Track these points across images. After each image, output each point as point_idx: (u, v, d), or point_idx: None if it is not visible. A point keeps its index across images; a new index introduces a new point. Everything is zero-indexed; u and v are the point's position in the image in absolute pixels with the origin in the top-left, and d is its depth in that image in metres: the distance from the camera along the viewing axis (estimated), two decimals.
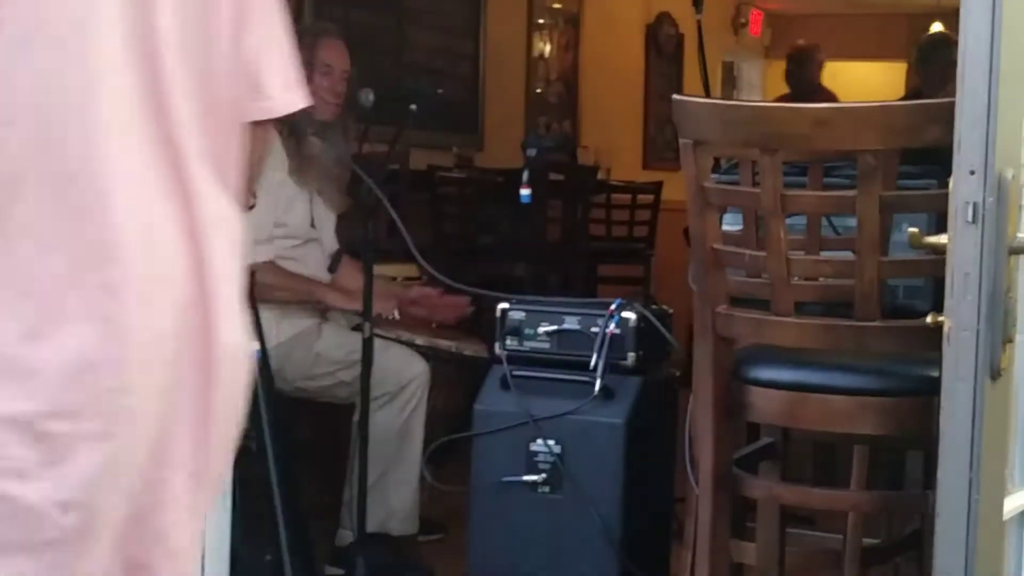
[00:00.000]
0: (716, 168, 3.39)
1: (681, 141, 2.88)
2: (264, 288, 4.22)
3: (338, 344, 4.56)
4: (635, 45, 10.43)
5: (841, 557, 3.39)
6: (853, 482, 3.43)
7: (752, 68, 10.49)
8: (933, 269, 2.43)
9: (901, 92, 8.05)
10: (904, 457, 3.73)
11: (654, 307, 3.79)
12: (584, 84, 9.60)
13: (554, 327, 3.74)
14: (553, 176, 6.84)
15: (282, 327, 4.45)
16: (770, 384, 2.92)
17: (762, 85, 10.17)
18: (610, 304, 3.72)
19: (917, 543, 3.20)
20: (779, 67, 9.49)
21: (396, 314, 4.70)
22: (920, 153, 2.89)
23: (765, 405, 2.94)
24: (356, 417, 4.36)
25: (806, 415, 2.89)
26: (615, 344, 3.67)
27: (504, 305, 3.81)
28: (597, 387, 3.62)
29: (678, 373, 3.88)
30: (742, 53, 10.96)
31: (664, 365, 3.84)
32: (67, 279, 1.60)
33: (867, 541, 3.50)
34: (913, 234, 2.42)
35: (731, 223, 3.28)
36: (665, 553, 3.85)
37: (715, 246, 2.90)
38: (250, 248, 4.44)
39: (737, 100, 7.74)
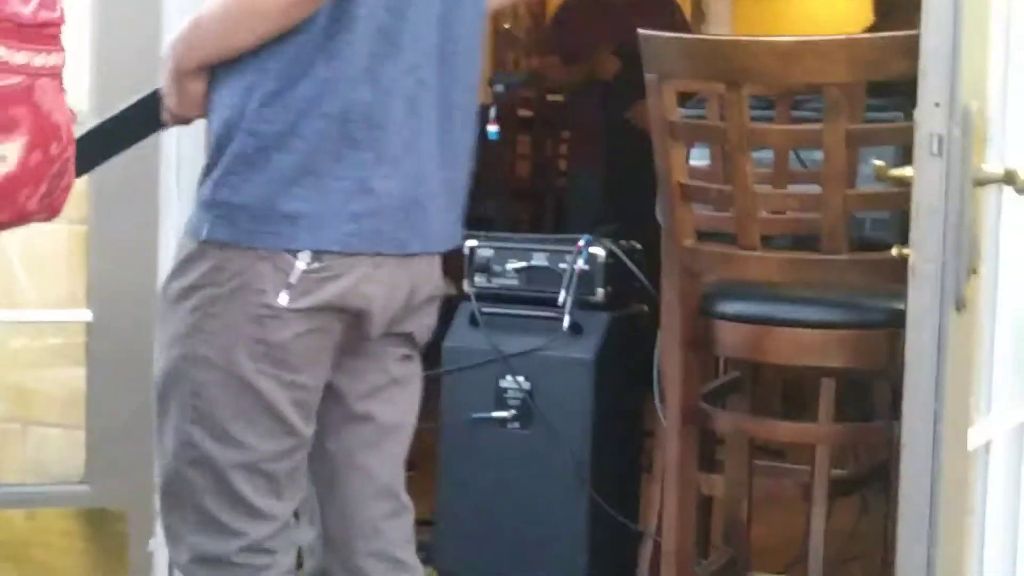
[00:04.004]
0: (684, 103, 3.38)
1: (647, 76, 2.87)
2: None
3: None
4: None
5: (809, 488, 3.41)
6: (821, 414, 3.44)
7: (720, 2, 10.45)
8: (899, 202, 2.44)
9: (869, 21, 7.99)
10: (872, 389, 3.75)
11: (623, 243, 3.79)
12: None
13: (522, 264, 3.74)
14: (522, 112, 6.81)
15: None
16: (736, 318, 2.93)
17: (731, 19, 10.14)
18: (578, 240, 3.72)
19: (885, 474, 3.22)
20: (747, 1, 9.45)
21: None
22: (889, 86, 2.89)
23: (731, 339, 2.95)
24: None
25: (772, 348, 2.91)
26: (584, 280, 3.67)
27: (472, 242, 3.80)
28: (566, 323, 3.63)
29: (647, 308, 3.88)
30: None
31: (633, 301, 3.84)
32: None
33: (835, 472, 3.52)
34: (878, 167, 2.42)
35: (698, 158, 3.28)
36: (635, 487, 3.87)
37: (681, 181, 2.90)
38: None
39: (705, 34, 7.70)
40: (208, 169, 2.10)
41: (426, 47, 2.12)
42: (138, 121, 2.31)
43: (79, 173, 2.11)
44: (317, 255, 2.04)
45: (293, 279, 2.05)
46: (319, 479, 2.28)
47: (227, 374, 2.09)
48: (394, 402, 2.29)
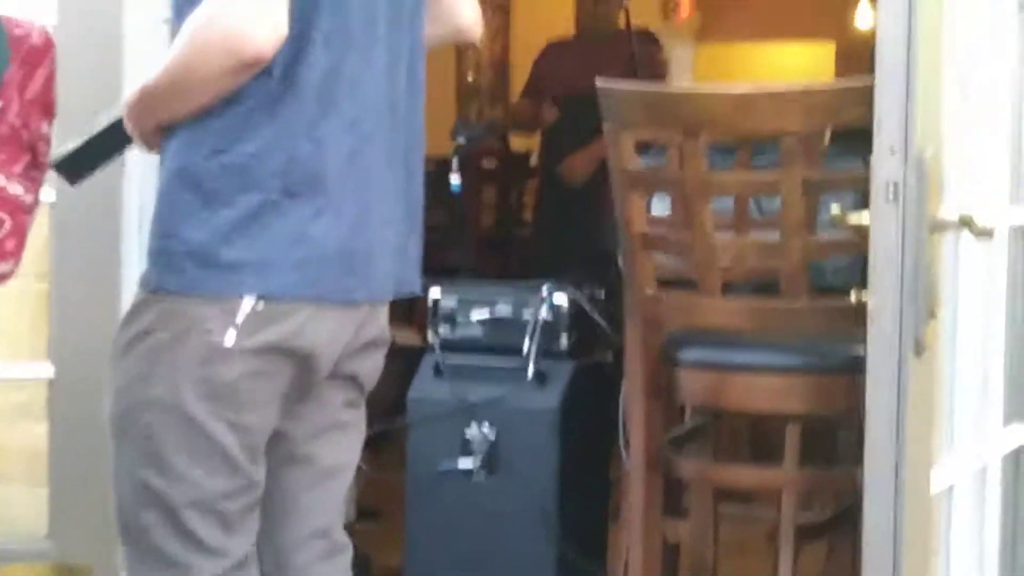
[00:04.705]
0: (646, 151, 3.41)
1: (605, 125, 2.88)
2: None
3: None
4: (566, 30, 10.42)
5: (776, 534, 3.41)
6: (786, 460, 3.45)
7: (683, 52, 10.52)
8: (857, 248, 2.45)
9: (831, 73, 8.05)
10: (837, 434, 3.76)
11: (586, 290, 3.80)
12: (515, 70, 9.56)
13: (486, 314, 3.74)
14: (486, 163, 6.84)
15: None
16: (697, 365, 2.94)
17: (693, 69, 10.20)
18: (541, 287, 3.72)
19: (851, 519, 3.22)
20: (710, 51, 9.50)
21: None
22: (854, 132, 2.91)
23: (693, 386, 2.96)
24: None
25: (733, 394, 2.91)
26: (548, 329, 3.68)
27: (436, 293, 3.80)
28: (530, 372, 3.63)
29: (611, 357, 3.89)
30: (672, 37, 10.93)
31: (598, 348, 3.85)
32: None
33: (802, 517, 3.52)
34: (835, 214, 2.44)
35: (661, 207, 3.30)
36: (602, 534, 3.87)
37: (641, 230, 2.91)
38: None
39: (664, 85, 7.73)
40: (156, 220, 2.18)
41: (370, 102, 2.21)
42: (115, 139, 2.40)
43: (73, 182, 2.36)
44: (262, 298, 2.12)
45: (239, 319, 2.12)
46: None
47: (176, 415, 2.14)
48: (337, 445, 2.35)
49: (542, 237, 6.07)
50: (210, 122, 2.13)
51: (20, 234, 2.41)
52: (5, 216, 2.39)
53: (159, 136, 2.23)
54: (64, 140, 3.06)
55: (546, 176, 5.93)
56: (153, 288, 2.15)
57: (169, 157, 2.19)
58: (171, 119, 2.18)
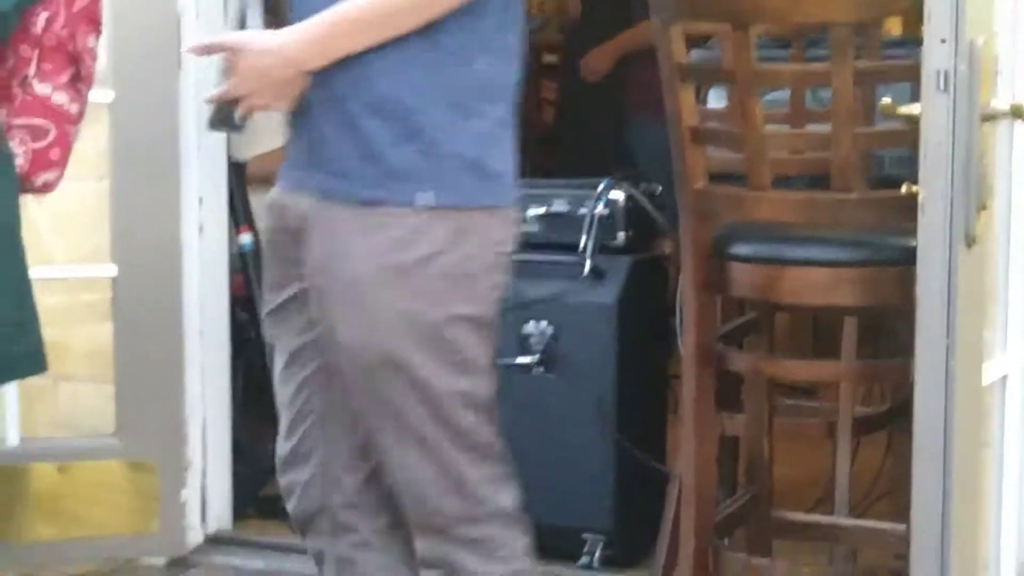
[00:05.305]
0: (702, 43, 3.38)
1: (653, 19, 2.87)
2: None
3: None
4: None
5: (834, 427, 3.42)
6: (843, 353, 3.45)
7: None
8: (909, 139, 2.43)
9: None
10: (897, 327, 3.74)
11: (643, 185, 3.79)
12: None
13: (543, 210, 3.75)
14: (547, 58, 6.79)
15: None
16: (749, 259, 2.93)
17: None
18: (598, 184, 3.72)
19: (909, 411, 3.22)
20: None
21: None
22: None
23: (745, 280, 2.94)
24: None
25: (785, 288, 2.90)
26: (604, 225, 3.68)
27: None
28: (587, 268, 3.64)
29: (668, 251, 3.89)
30: None
31: (655, 244, 3.85)
32: None
33: (860, 410, 3.52)
34: (886, 104, 2.42)
35: (717, 100, 3.29)
36: (661, 430, 3.89)
37: (691, 124, 2.89)
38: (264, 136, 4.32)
39: None
40: (402, 136, 2.16)
41: None
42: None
43: (238, 130, 2.33)
44: (515, 207, 2.25)
45: (514, 228, 2.25)
46: (338, 417, 2.36)
47: (481, 323, 2.22)
48: None
49: (563, 135, 6.03)
50: (446, 39, 2.15)
51: (64, 144, 2.50)
52: (50, 125, 2.47)
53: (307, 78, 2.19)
54: (112, 54, 3.25)
55: (567, 72, 5.87)
56: (433, 204, 2.15)
57: (390, 78, 2.16)
58: (373, 43, 2.15)
